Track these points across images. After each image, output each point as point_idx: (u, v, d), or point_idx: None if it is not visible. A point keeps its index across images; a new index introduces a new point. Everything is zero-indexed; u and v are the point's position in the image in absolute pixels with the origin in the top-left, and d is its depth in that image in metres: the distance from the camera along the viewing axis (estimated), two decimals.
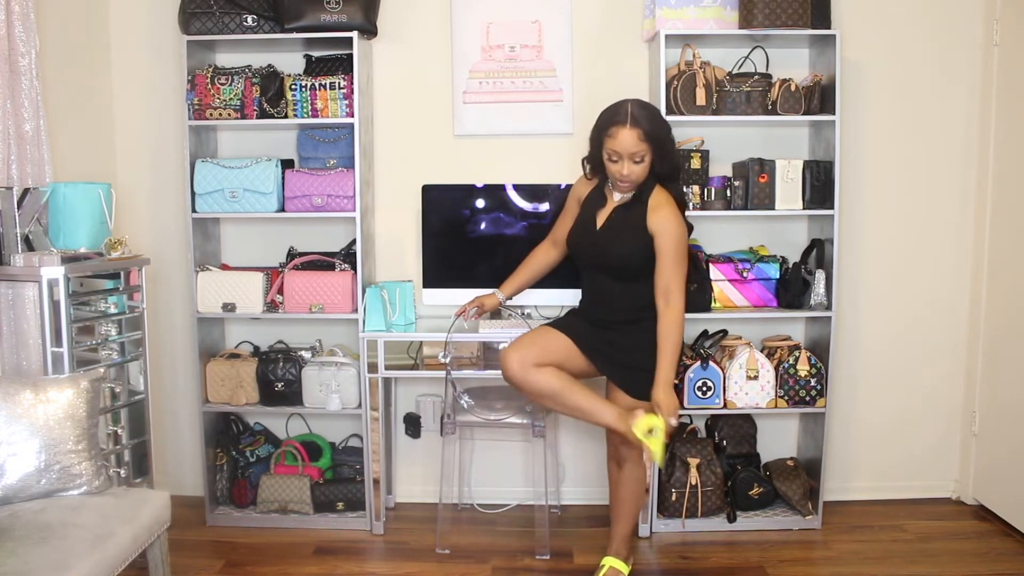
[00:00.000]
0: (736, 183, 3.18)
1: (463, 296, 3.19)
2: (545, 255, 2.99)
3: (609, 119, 2.56)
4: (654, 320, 2.60)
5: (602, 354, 2.69)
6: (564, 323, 2.78)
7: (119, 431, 2.85)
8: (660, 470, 3.20)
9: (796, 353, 3.19)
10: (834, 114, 3.10)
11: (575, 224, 2.77)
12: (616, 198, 2.67)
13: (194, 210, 3.20)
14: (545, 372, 2.59)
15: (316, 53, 3.30)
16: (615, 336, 2.69)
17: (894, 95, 3.38)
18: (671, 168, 2.65)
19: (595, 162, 2.68)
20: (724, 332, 3.35)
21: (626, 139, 2.51)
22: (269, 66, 3.25)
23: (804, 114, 3.12)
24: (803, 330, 3.43)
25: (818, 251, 3.21)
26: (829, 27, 3.13)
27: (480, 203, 3.24)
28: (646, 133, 2.51)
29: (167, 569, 2.42)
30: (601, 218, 2.69)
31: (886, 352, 3.49)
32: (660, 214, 2.58)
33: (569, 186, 3.21)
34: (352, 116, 3.15)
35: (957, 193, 3.43)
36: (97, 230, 2.86)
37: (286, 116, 3.19)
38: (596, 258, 2.69)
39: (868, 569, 2.93)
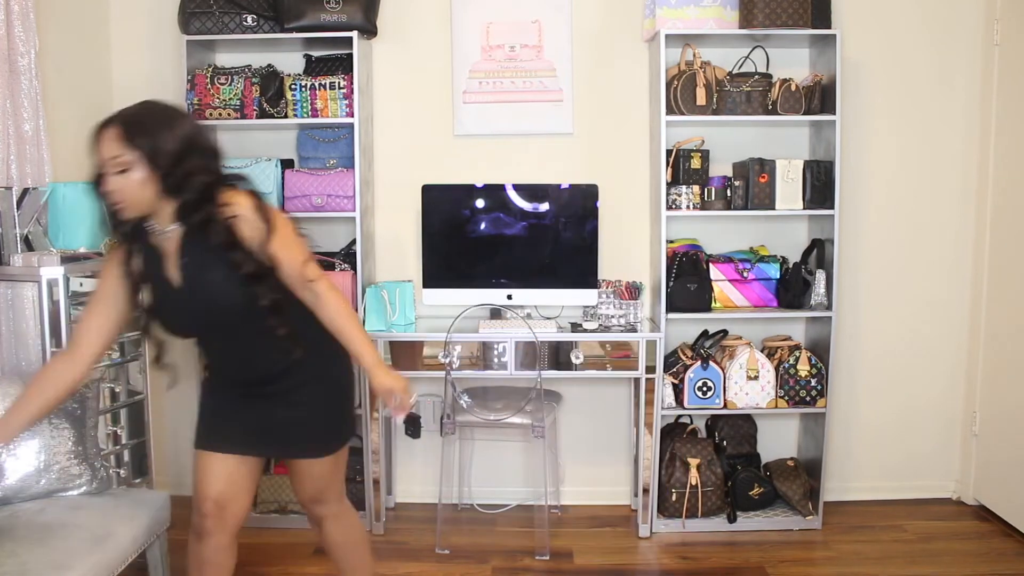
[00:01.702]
0: (736, 183, 3.18)
1: (463, 296, 3.19)
2: (58, 375, 1.99)
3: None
4: (320, 352, 2.04)
5: (273, 437, 2.08)
6: (209, 430, 2.11)
7: (119, 431, 2.85)
8: (660, 471, 3.21)
9: (796, 353, 3.19)
10: (834, 114, 3.10)
11: (151, 300, 2.00)
12: (168, 232, 1.90)
13: None
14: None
15: (316, 53, 3.30)
16: (283, 394, 2.05)
17: (894, 95, 3.38)
18: (182, 183, 1.83)
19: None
20: (724, 332, 3.35)
21: (105, 142, 1.81)
22: (269, 66, 3.25)
23: (804, 114, 3.12)
24: (803, 330, 3.43)
25: (818, 251, 3.21)
26: (829, 27, 3.13)
27: (480, 203, 3.24)
28: (131, 129, 1.80)
29: (167, 569, 2.42)
30: (174, 273, 1.93)
31: (886, 352, 3.49)
32: (243, 212, 1.88)
33: (570, 186, 3.22)
34: (352, 116, 3.15)
35: (957, 193, 3.43)
36: (97, 230, 2.85)
37: (286, 116, 3.19)
38: (199, 325, 2.02)
39: (868, 569, 2.93)
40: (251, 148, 3.38)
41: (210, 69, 3.17)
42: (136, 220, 1.90)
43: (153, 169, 1.81)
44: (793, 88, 3.09)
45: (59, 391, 1.99)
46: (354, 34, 3.12)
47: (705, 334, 3.34)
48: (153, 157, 1.81)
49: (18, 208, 2.63)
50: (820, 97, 3.13)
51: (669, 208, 3.17)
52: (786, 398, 3.19)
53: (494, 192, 3.23)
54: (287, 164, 3.31)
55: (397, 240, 3.47)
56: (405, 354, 3.17)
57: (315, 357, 2.05)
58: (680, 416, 3.40)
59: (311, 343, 2.01)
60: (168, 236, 1.91)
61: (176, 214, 1.87)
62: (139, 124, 1.82)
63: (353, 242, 3.24)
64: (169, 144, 1.82)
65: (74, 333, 2.03)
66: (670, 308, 3.16)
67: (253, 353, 2.02)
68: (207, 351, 2.11)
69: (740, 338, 3.34)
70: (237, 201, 1.88)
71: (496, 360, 3.12)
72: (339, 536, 2.27)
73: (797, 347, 3.24)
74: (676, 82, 3.10)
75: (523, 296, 3.21)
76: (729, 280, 3.23)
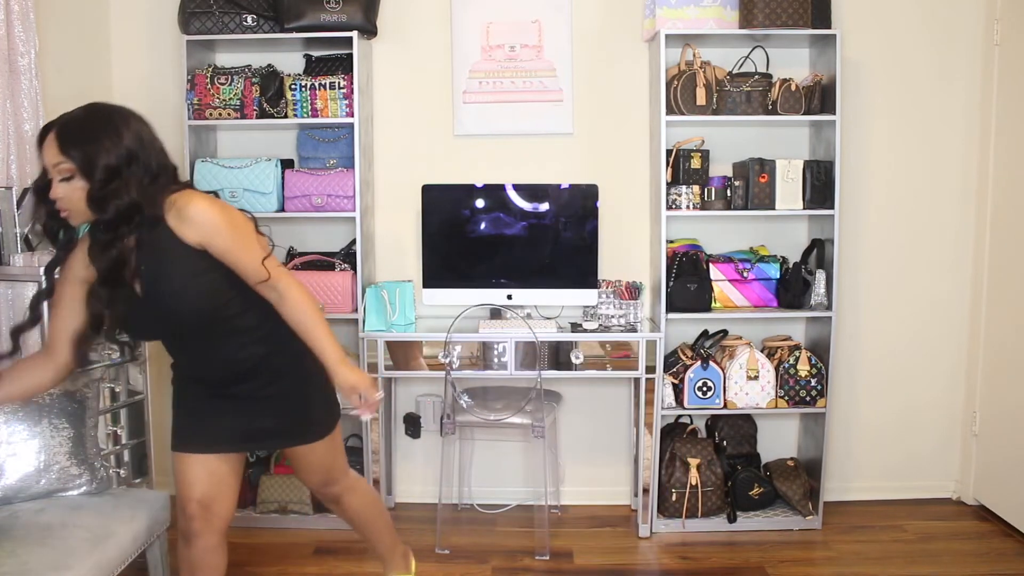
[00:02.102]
0: (736, 183, 3.18)
1: (463, 296, 3.19)
2: (33, 373, 1.98)
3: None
4: (289, 349, 2.03)
5: (260, 430, 2.08)
6: (186, 431, 2.12)
7: (118, 431, 2.85)
8: (660, 471, 3.21)
9: (796, 353, 3.19)
10: (834, 114, 3.10)
11: (122, 306, 1.91)
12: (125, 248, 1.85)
13: None
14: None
15: (316, 53, 3.30)
16: (247, 390, 2.05)
17: (894, 95, 3.38)
18: (98, 196, 1.78)
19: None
20: (724, 332, 3.35)
21: (47, 149, 1.78)
22: (269, 66, 3.25)
23: (804, 114, 3.12)
24: (803, 330, 3.43)
25: (818, 251, 3.21)
26: (829, 27, 3.13)
27: (480, 203, 3.24)
28: (67, 138, 1.77)
29: (167, 569, 2.42)
30: (134, 278, 1.89)
31: (886, 352, 3.49)
32: (190, 216, 1.83)
33: (570, 186, 3.22)
34: (352, 116, 3.15)
35: (957, 193, 3.43)
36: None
37: (286, 116, 3.19)
38: (162, 330, 2.03)
39: (868, 569, 2.93)
40: (251, 148, 3.38)
41: (210, 69, 3.17)
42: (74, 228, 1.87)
43: (85, 180, 1.77)
44: (793, 88, 3.09)
45: (27, 388, 1.97)
46: (354, 34, 3.12)
47: (705, 334, 3.34)
48: (85, 168, 1.77)
49: (18, 208, 2.62)
50: (820, 97, 3.13)
51: (669, 208, 3.17)
52: (786, 398, 3.19)
53: (494, 192, 3.23)
54: (287, 164, 3.31)
55: (397, 240, 3.47)
56: (405, 354, 3.17)
57: (283, 355, 2.04)
58: (680, 416, 3.40)
59: (277, 340, 2.01)
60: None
61: (94, 232, 1.83)
62: (74, 132, 1.77)
63: (353, 242, 3.24)
64: (103, 157, 1.77)
65: (47, 336, 2.00)
66: (670, 308, 3.16)
67: (218, 353, 2.00)
68: (173, 352, 2.10)
69: (740, 338, 3.34)
70: (187, 207, 1.83)
71: (496, 360, 3.12)
72: (359, 505, 2.35)
73: (797, 347, 3.24)
74: (676, 82, 3.10)
75: (523, 296, 3.21)
76: (729, 280, 3.23)
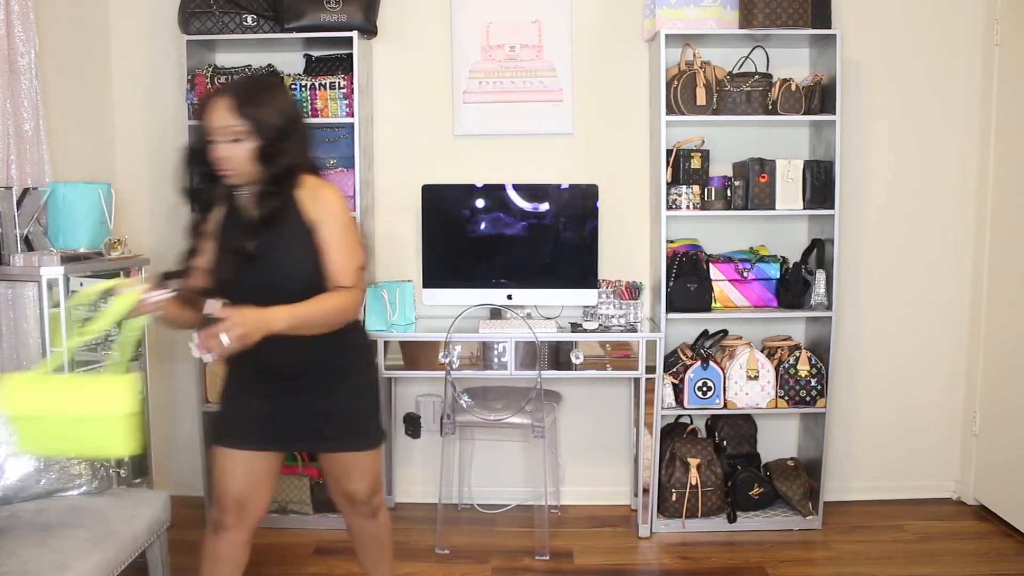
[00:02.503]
0: (736, 183, 3.18)
1: (463, 296, 3.19)
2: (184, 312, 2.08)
3: (205, 98, 2.00)
4: (350, 342, 2.11)
5: (297, 432, 2.09)
6: (232, 427, 2.09)
7: None
8: (660, 471, 3.21)
9: (796, 353, 3.19)
10: (834, 114, 3.10)
11: (215, 255, 2.05)
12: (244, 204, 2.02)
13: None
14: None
15: (316, 53, 3.30)
16: (310, 385, 2.06)
17: (894, 95, 3.38)
18: (273, 159, 1.94)
19: (204, 162, 1.98)
20: (724, 332, 3.35)
21: (213, 111, 1.92)
22: (269, 66, 3.25)
23: (804, 114, 3.12)
24: (803, 330, 3.43)
25: (818, 251, 3.21)
26: (829, 27, 3.13)
27: (480, 203, 3.24)
28: (242, 101, 1.91)
29: (167, 569, 2.42)
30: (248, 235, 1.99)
31: (886, 352, 3.49)
32: (321, 196, 2.00)
33: (570, 186, 3.22)
34: (352, 116, 3.14)
35: (957, 193, 3.43)
36: (97, 230, 2.85)
37: None
38: (259, 288, 1.99)
39: (868, 569, 2.93)
40: None
41: (210, 69, 3.17)
42: (221, 187, 1.99)
43: (257, 140, 1.91)
44: (793, 88, 3.09)
45: (182, 322, 2.05)
46: (354, 34, 3.12)
47: (705, 334, 3.34)
48: (259, 128, 1.91)
49: (18, 208, 2.63)
50: (820, 97, 3.13)
51: (669, 208, 3.17)
52: (786, 398, 3.19)
53: (494, 192, 3.23)
54: None
55: (397, 240, 3.47)
56: (405, 354, 3.17)
57: (350, 356, 2.12)
58: (680, 416, 3.40)
59: (348, 341, 2.09)
60: (248, 204, 2.00)
61: (261, 184, 1.97)
62: (251, 96, 1.93)
63: None
64: (275, 119, 1.93)
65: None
66: (670, 308, 3.16)
67: (297, 336, 1.96)
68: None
69: (740, 338, 3.34)
70: (321, 189, 2.01)
71: (496, 360, 3.12)
72: (385, 521, 2.32)
73: (797, 347, 3.24)
74: (676, 82, 3.10)
75: (523, 296, 3.21)
76: (729, 280, 3.23)
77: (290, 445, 2.17)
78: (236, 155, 1.92)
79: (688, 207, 3.18)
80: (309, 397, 2.06)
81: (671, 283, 3.16)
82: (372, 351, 2.11)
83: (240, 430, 2.07)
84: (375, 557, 2.36)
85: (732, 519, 3.23)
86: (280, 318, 1.89)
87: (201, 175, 2.01)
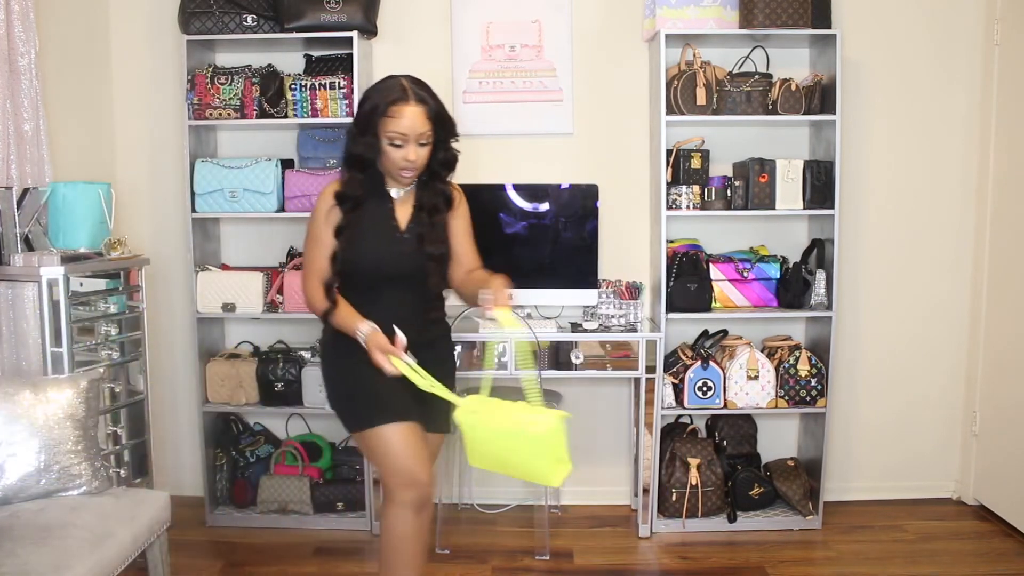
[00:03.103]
0: (736, 183, 3.18)
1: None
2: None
3: (384, 99, 2.15)
4: (446, 328, 2.40)
5: (432, 410, 2.23)
6: (381, 407, 2.18)
7: (119, 431, 2.85)
8: (660, 471, 3.21)
9: (796, 353, 3.19)
10: (834, 114, 3.10)
11: (359, 236, 2.21)
12: (395, 194, 2.27)
13: (194, 210, 3.20)
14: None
15: (316, 53, 3.30)
16: (428, 361, 2.20)
17: (894, 95, 3.38)
18: (452, 155, 2.27)
19: (360, 158, 2.20)
20: (724, 332, 3.35)
21: (414, 117, 2.13)
22: (269, 66, 3.25)
23: (804, 114, 3.12)
24: (803, 330, 3.43)
25: (818, 251, 3.21)
26: (829, 27, 3.13)
27: (480, 203, 3.23)
28: (431, 109, 2.17)
29: (167, 569, 2.42)
30: (402, 219, 2.27)
31: (887, 352, 3.49)
32: (460, 201, 2.34)
33: (570, 186, 3.22)
34: (352, 116, 3.14)
35: (958, 193, 3.43)
36: (97, 230, 2.85)
37: (286, 116, 3.19)
38: (401, 268, 2.24)
39: (868, 569, 2.93)
40: (251, 148, 3.38)
41: (210, 69, 3.17)
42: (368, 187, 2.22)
43: (437, 143, 2.21)
44: (793, 88, 3.09)
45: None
46: (354, 34, 3.12)
47: (705, 334, 3.34)
48: (444, 134, 2.22)
49: (18, 208, 2.63)
50: (820, 97, 3.13)
51: (669, 208, 3.17)
52: (786, 398, 3.19)
53: (494, 192, 3.23)
54: (287, 164, 3.30)
55: None
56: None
57: (448, 338, 2.41)
58: (680, 416, 3.40)
59: (444, 322, 2.39)
60: (407, 193, 2.27)
61: (423, 179, 2.26)
62: (437, 102, 2.20)
63: None
64: (446, 129, 2.23)
65: (314, 268, 2.23)
66: (670, 308, 3.16)
67: (421, 308, 2.27)
68: (381, 303, 2.22)
69: (740, 338, 3.34)
70: (458, 192, 2.35)
71: (496, 360, 3.11)
72: (430, 517, 2.32)
73: (797, 347, 3.24)
74: (676, 82, 3.10)
75: (523, 296, 3.21)
76: (729, 280, 3.23)
77: (424, 418, 2.24)
78: (422, 156, 2.17)
79: (688, 207, 3.18)
80: (432, 353, 2.27)
81: (671, 283, 3.16)
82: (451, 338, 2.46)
83: (401, 405, 2.17)
84: (409, 558, 2.32)
85: (732, 519, 3.23)
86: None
87: (362, 181, 2.22)
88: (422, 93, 2.19)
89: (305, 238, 2.29)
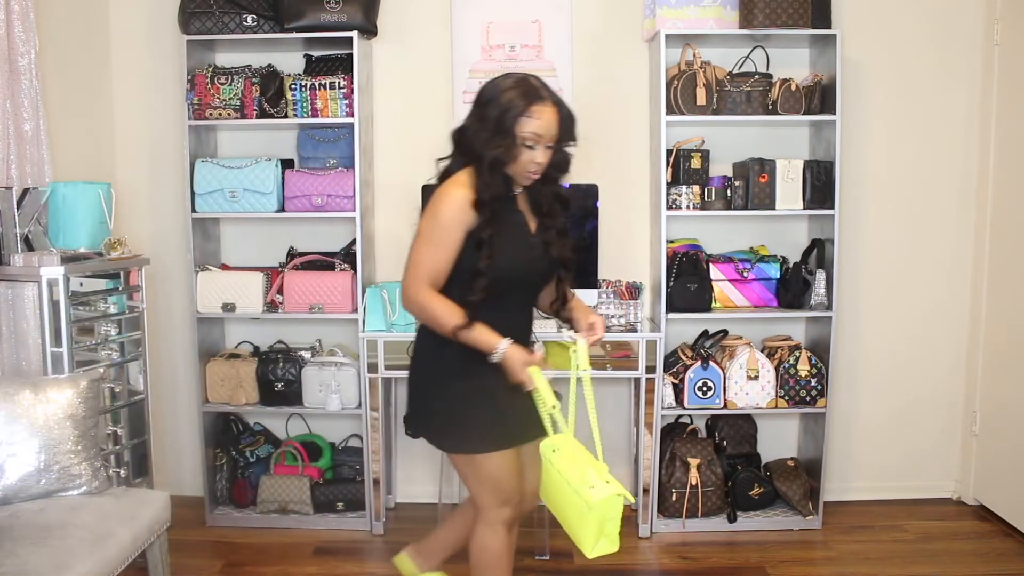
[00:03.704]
0: (736, 183, 3.17)
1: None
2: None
3: (523, 97, 2.03)
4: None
5: (532, 423, 2.15)
6: (499, 432, 2.15)
7: (119, 431, 2.85)
8: (660, 471, 3.21)
9: (796, 353, 3.19)
10: (834, 114, 3.10)
11: (500, 242, 2.08)
12: (516, 192, 2.19)
13: (194, 210, 3.20)
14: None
15: (316, 53, 3.30)
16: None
17: (894, 95, 3.38)
18: (566, 157, 2.16)
19: (499, 161, 2.06)
20: (724, 332, 3.35)
21: (551, 119, 2.04)
22: (269, 66, 3.25)
23: (804, 114, 3.12)
24: (803, 330, 3.43)
25: (818, 251, 3.21)
26: (829, 27, 3.13)
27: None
28: (563, 114, 2.09)
29: (167, 569, 2.42)
30: (531, 223, 2.19)
31: (886, 352, 3.49)
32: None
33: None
34: (352, 116, 3.14)
35: (958, 193, 3.43)
36: (97, 230, 2.85)
37: (286, 116, 3.19)
38: (536, 273, 2.19)
39: (868, 569, 2.93)
40: (251, 148, 3.38)
41: (210, 69, 3.17)
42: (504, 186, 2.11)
43: (559, 148, 2.11)
44: (793, 88, 3.09)
45: None
46: (354, 34, 3.11)
47: (705, 334, 3.34)
48: (567, 139, 2.12)
49: (18, 208, 2.63)
50: (820, 97, 3.13)
51: (669, 208, 3.17)
52: (786, 398, 3.19)
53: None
54: (287, 164, 3.31)
55: (397, 240, 3.46)
56: (405, 354, 3.17)
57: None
58: (680, 416, 3.40)
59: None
60: (519, 195, 2.18)
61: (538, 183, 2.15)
62: (567, 109, 2.10)
63: (353, 242, 3.24)
64: (571, 134, 2.12)
65: (422, 273, 2.10)
66: (670, 308, 3.16)
67: (529, 317, 2.24)
68: (507, 318, 2.13)
69: (740, 338, 3.34)
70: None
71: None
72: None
73: (797, 347, 3.24)
74: (676, 82, 3.10)
75: None
76: (729, 280, 3.23)
77: (533, 437, 2.20)
78: (548, 159, 2.09)
79: (688, 207, 3.18)
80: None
81: (671, 283, 3.16)
82: None
83: (516, 429, 2.16)
84: (457, 544, 2.49)
85: (732, 519, 3.23)
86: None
87: (504, 182, 2.10)
88: (555, 94, 2.10)
89: (416, 240, 2.13)
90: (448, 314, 2.05)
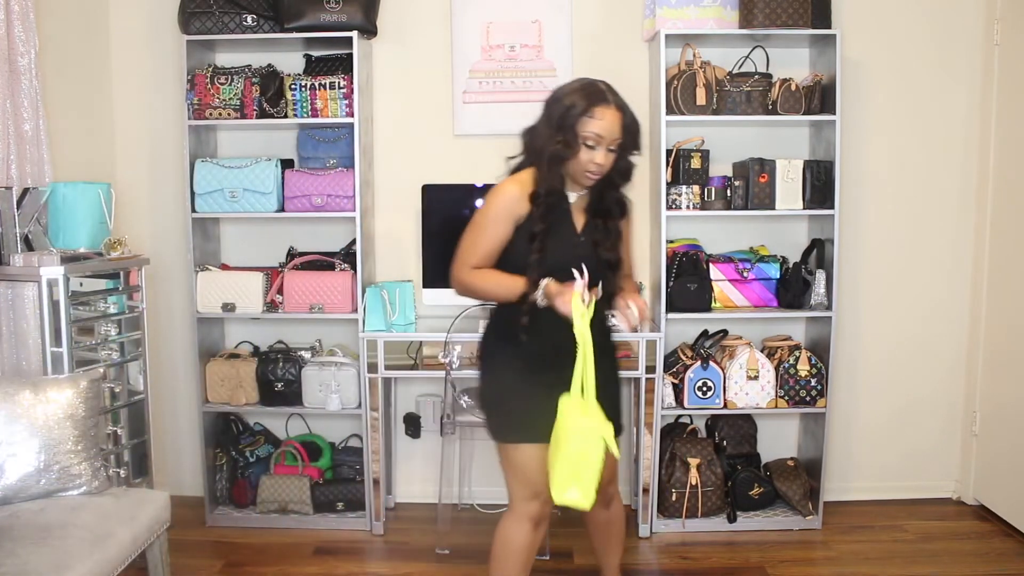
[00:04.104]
0: (736, 183, 3.17)
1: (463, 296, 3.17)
2: None
3: (586, 98, 2.10)
4: (609, 331, 2.35)
5: None
6: (527, 424, 2.21)
7: (119, 431, 2.85)
8: (660, 471, 3.20)
9: (796, 353, 3.19)
10: (834, 114, 3.10)
11: (548, 240, 2.16)
12: (572, 198, 2.24)
13: (194, 210, 3.20)
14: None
15: (316, 53, 3.30)
16: (601, 373, 2.18)
17: (894, 95, 3.38)
18: (630, 166, 2.22)
19: (558, 157, 2.13)
20: (724, 332, 3.35)
21: (613, 122, 2.10)
22: (269, 66, 3.25)
23: (804, 114, 3.12)
24: (803, 330, 3.43)
25: (818, 251, 3.21)
26: (829, 27, 3.13)
27: (480, 203, 3.23)
28: (627, 117, 2.14)
29: (167, 569, 2.42)
30: (578, 223, 2.24)
31: (886, 352, 3.49)
32: (629, 219, 2.33)
33: None
34: (352, 116, 3.14)
35: (957, 192, 3.43)
36: (97, 230, 2.85)
37: (286, 116, 3.19)
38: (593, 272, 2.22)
39: (868, 569, 2.93)
40: (251, 148, 3.38)
41: (210, 69, 3.17)
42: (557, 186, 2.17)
43: (623, 155, 2.17)
44: (793, 88, 3.09)
45: None
46: (354, 34, 3.11)
47: (705, 334, 3.34)
48: (632, 147, 2.17)
49: (18, 208, 2.63)
50: (820, 97, 3.13)
51: (669, 208, 3.17)
52: (786, 398, 3.19)
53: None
54: (287, 164, 3.31)
55: (397, 240, 3.47)
56: (405, 354, 3.17)
57: (609, 336, 2.34)
58: (680, 416, 3.40)
59: (608, 325, 2.31)
60: (580, 198, 2.24)
61: (598, 187, 2.21)
62: (633, 117, 2.16)
63: (353, 242, 3.24)
64: (635, 140, 2.17)
65: (468, 257, 2.19)
66: (670, 308, 3.16)
67: (599, 312, 2.20)
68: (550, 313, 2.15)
69: (740, 338, 3.34)
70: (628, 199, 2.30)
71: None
72: (620, 511, 2.50)
73: (797, 347, 3.24)
74: (676, 82, 3.10)
75: None
76: (729, 280, 3.23)
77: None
78: (609, 162, 2.13)
79: (688, 207, 3.18)
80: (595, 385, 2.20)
81: (671, 283, 3.16)
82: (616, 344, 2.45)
83: (545, 427, 2.13)
84: (609, 538, 2.53)
85: (732, 519, 3.23)
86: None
87: (560, 176, 2.16)
88: (621, 100, 2.16)
89: (466, 229, 2.23)
90: (484, 279, 2.18)
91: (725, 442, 3.34)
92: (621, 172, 2.20)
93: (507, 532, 2.28)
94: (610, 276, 2.25)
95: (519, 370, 2.23)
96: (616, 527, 2.52)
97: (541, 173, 2.14)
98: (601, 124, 2.08)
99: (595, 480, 2.03)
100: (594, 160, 2.11)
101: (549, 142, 2.12)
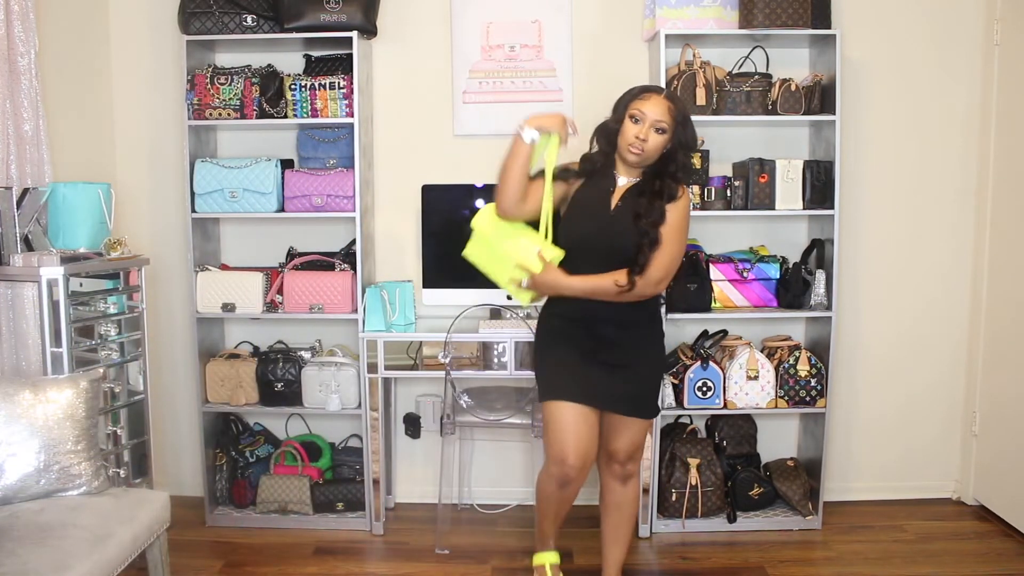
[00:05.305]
0: (736, 183, 3.18)
1: (463, 297, 3.18)
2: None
3: (640, 87, 2.43)
4: (650, 315, 2.52)
5: (610, 394, 2.46)
6: (559, 384, 2.46)
7: (119, 431, 2.85)
8: (660, 471, 3.21)
9: (796, 353, 3.19)
10: (834, 114, 3.10)
11: (575, 206, 2.48)
12: (622, 182, 2.46)
13: (194, 210, 3.20)
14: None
15: (316, 53, 3.30)
16: (616, 348, 2.45)
17: (894, 95, 3.38)
18: (689, 163, 2.55)
19: (607, 129, 2.43)
20: (724, 332, 3.35)
21: (657, 104, 2.34)
22: (269, 66, 3.25)
23: (804, 114, 3.12)
24: (803, 330, 3.43)
25: (818, 251, 3.21)
26: (829, 27, 3.13)
27: (480, 203, 3.23)
28: (677, 111, 2.37)
29: (167, 569, 2.42)
30: (614, 202, 2.44)
31: (886, 352, 3.49)
32: (678, 202, 2.41)
33: None
34: (352, 116, 3.15)
35: (957, 193, 3.43)
36: (97, 230, 2.85)
37: (286, 116, 3.19)
38: (604, 242, 2.41)
39: (868, 569, 2.93)
40: (251, 148, 3.38)
41: (210, 69, 3.17)
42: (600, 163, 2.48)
43: (670, 141, 2.38)
44: (793, 88, 3.09)
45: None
46: (354, 34, 3.11)
47: (705, 334, 3.34)
48: (677, 135, 2.38)
49: (18, 208, 2.63)
50: (820, 97, 3.13)
51: None
52: (786, 398, 3.19)
53: (494, 192, 3.21)
54: (287, 164, 3.31)
55: (397, 240, 3.47)
56: (405, 354, 3.17)
57: (651, 322, 2.52)
58: (680, 416, 3.40)
59: (649, 309, 2.50)
60: (627, 182, 2.45)
61: (646, 172, 2.44)
62: (685, 113, 2.40)
63: (353, 242, 3.24)
64: (689, 137, 2.40)
65: (515, 194, 2.46)
66: (670, 308, 3.16)
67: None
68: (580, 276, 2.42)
69: (740, 338, 3.34)
70: (682, 197, 2.42)
71: (496, 360, 3.12)
72: (634, 493, 2.65)
73: (797, 347, 3.24)
74: (676, 82, 3.10)
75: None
76: (729, 280, 3.23)
77: (602, 403, 2.46)
78: (653, 143, 2.35)
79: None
80: (626, 361, 2.46)
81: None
82: (662, 331, 2.59)
83: (575, 385, 2.42)
84: (616, 524, 2.65)
85: (732, 519, 3.23)
86: (575, 287, 2.40)
87: (604, 151, 2.47)
88: (675, 95, 2.45)
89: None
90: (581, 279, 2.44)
91: (725, 442, 3.34)
92: (681, 167, 2.42)
93: (539, 482, 2.56)
94: (646, 251, 2.37)
95: (551, 333, 2.51)
96: (626, 512, 2.64)
97: (590, 147, 2.49)
98: (646, 104, 2.35)
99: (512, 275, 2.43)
100: (637, 134, 2.35)
101: (606, 122, 2.45)
